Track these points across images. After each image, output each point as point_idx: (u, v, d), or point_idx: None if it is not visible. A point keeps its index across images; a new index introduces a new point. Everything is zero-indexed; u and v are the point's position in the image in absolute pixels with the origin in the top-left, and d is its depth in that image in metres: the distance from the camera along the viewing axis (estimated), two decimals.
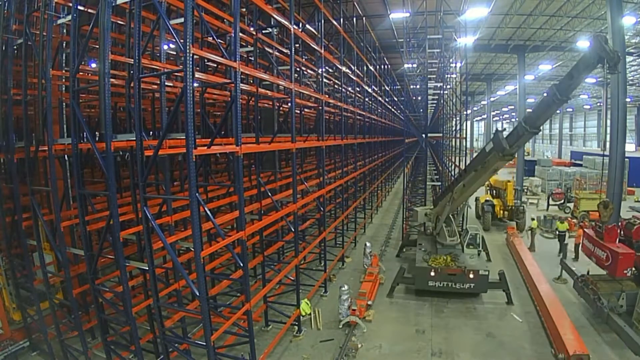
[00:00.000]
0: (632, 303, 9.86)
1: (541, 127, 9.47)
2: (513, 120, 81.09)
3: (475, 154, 12.42)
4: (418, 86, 35.35)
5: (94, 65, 10.97)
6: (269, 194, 10.23)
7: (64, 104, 8.50)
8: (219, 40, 8.11)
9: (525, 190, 30.25)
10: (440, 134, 29.21)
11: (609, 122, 13.17)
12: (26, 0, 8.14)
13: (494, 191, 22.60)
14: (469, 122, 56.11)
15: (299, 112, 14.60)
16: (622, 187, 13.33)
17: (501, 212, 21.47)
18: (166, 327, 7.78)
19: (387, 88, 27.82)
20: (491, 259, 15.32)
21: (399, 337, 10.17)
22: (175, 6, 7.97)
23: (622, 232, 11.11)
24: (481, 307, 11.72)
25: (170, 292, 8.81)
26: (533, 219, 19.00)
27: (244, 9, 11.39)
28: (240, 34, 8.80)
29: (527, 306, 11.72)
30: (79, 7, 7.21)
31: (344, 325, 10.49)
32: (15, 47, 8.61)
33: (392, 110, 33.85)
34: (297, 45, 13.75)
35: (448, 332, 10.28)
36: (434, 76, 26.76)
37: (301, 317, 10.48)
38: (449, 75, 25.79)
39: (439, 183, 22.15)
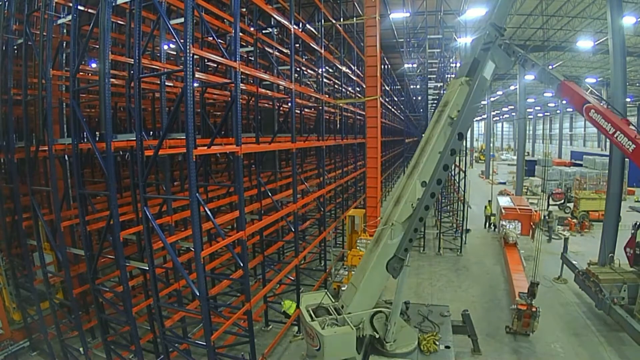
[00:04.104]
0: (634, 294, 9.90)
1: None
2: (513, 120, 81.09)
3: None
4: (418, 86, 35.35)
5: (94, 65, 10.97)
6: (269, 194, 10.23)
7: (64, 104, 8.49)
8: (219, 40, 8.10)
9: (526, 190, 30.24)
10: None
11: None
12: (26, 0, 8.14)
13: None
14: None
15: (299, 112, 14.60)
16: (622, 187, 13.28)
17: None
18: (166, 327, 7.78)
19: (387, 88, 27.80)
20: None
21: None
22: (175, 6, 7.96)
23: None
24: None
25: (171, 292, 8.82)
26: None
27: (244, 9, 11.38)
28: (241, 34, 8.80)
29: None
30: (79, 7, 7.20)
31: None
32: (15, 47, 8.61)
33: (392, 110, 33.82)
34: (297, 45, 13.75)
35: None
36: (434, 76, 26.77)
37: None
38: (449, 75, 25.80)
39: None
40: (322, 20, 12.74)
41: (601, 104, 6.93)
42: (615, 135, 6.63)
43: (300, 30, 11.62)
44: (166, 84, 8.57)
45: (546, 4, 19.88)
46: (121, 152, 10.21)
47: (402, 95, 38.89)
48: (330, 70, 17.26)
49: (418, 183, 5.98)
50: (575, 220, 20.97)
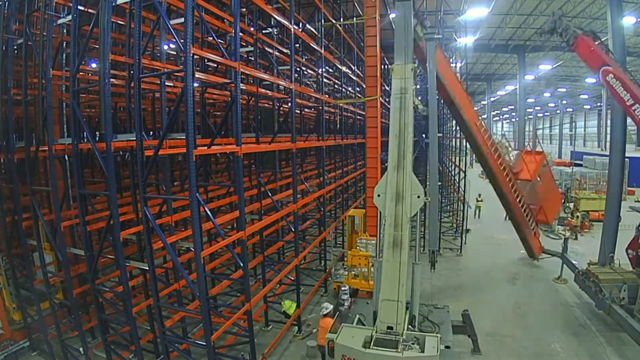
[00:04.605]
0: (633, 294, 9.90)
1: None
2: (513, 120, 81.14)
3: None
4: (418, 86, 35.25)
5: (94, 65, 10.96)
6: (269, 194, 10.23)
7: (64, 104, 8.50)
8: (219, 40, 8.10)
9: None
10: (440, 134, 29.19)
11: (609, 122, 13.14)
12: (26, 0, 8.13)
13: None
14: None
15: (299, 112, 14.60)
16: (622, 187, 13.28)
17: None
18: (166, 327, 7.77)
19: (387, 88, 27.78)
20: None
21: None
22: (175, 6, 7.96)
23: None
24: None
25: (171, 292, 8.81)
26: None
27: (244, 9, 11.39)
28: (241, 34, 8.79)
29: None
30: (79, 7, 7.19)
31: None
32: (15, 47, 8.60)
33: None
34: (297, 45, 13.75)
35: None
36: None
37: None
38: None
39: (440, 182, 22.12)
40: (322, 20, 12.74)
41: (621, 69, 6.13)
42: (633, 108, 6.00)
43: (300, 30, 11.62)
44: (166, 84, 8.57)
45: (546, 4, 19.88)
46: (121, 152, 10.21)
47: None
48: (330, 70, 17.26)
49: (413, 174, 6.18)
50: (575, 220, 20.94)
